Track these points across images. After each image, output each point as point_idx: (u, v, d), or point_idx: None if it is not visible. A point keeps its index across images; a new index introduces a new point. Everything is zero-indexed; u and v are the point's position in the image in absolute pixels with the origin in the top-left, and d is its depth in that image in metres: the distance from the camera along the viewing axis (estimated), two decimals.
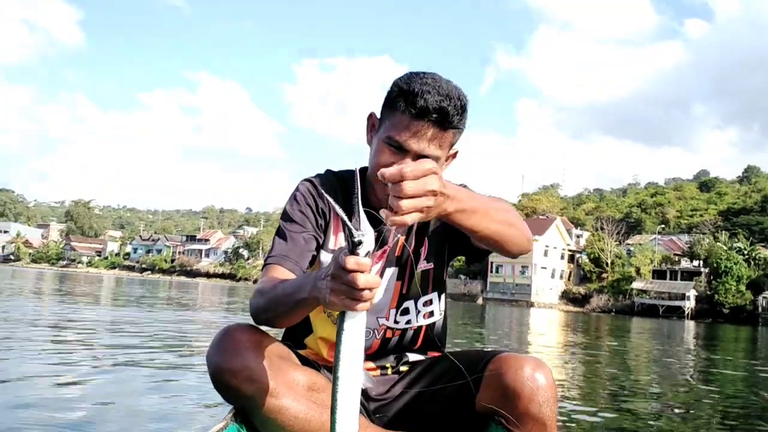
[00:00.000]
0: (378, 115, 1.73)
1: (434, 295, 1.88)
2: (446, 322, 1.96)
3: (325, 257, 1.79)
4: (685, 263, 72.56)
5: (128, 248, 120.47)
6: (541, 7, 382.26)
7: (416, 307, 1.85)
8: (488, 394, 1.62)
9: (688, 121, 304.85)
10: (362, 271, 1.18)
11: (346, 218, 1.21)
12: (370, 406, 1.79)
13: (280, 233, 1.76)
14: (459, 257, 1.93)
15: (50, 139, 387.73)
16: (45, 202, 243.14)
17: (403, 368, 1.86)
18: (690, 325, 38.77)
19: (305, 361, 1.73)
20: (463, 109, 1.62)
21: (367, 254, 1.19)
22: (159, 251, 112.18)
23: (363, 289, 1.18)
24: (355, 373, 1.23)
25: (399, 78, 1.66)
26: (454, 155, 1.78)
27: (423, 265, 1.83)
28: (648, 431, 3.74)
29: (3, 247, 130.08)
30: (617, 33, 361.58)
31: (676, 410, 4.63)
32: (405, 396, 1.80)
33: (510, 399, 1.56)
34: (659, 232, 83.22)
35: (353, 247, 1.19)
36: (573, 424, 3.73)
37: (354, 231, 1.19)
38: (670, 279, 69.53)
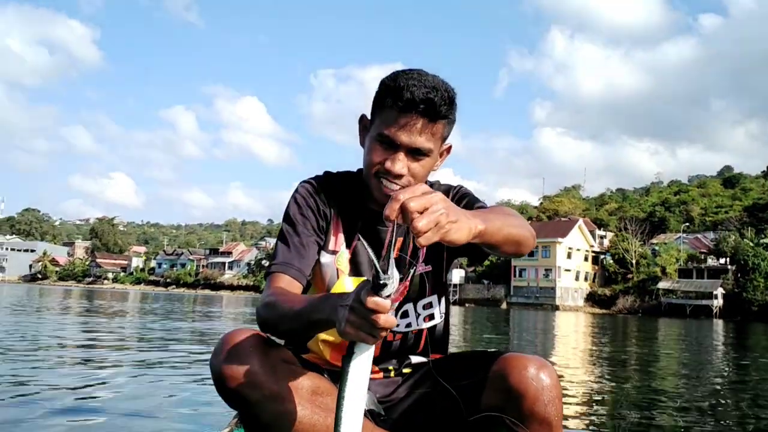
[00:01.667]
0: (369, 117, 1.75)
1: (434, 298, 1.87)
2: (448, 325, 1.95)
3: (325, 258, 1.79)
4: (711, 261, 71.56)
5: (153, 263, 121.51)
6: (553, 8, 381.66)
7: (416, 310, 1.84)
8: (493, 395, 1.61)
9: (707, 117, 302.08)
10: (382, 312, 1.21)
11: (376, 260, 1.22)
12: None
13: (282, 238, 1.77)
14: (461, 259, 1.92)
15: (74, 158, 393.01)
16: (70, 220, 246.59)
17: (406, 370, 1.86)
18: (719, 324, 38.21)
19: (308, 365, 1.72)
20: (450, 100, 1.64)
21: (388, 296, 1.22)
22: (183, 265, 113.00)
23: (383, 327, 1.22)
24: (359, 395, 1.28)
25: (386, 77, 1.69)
26: (448, 149, 1.79)
27: (421, 267, 1.81)
28: None
29: (30, 266, 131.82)
30: (630, 30, 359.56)
31: (708, 419, 4.56)
32: (409, 398, 1.79)
33: (515, 399, 1.55)
34: (684, 231, 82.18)
35: (377, 288, 1.21)
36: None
37: (381, 274, 1.21)
38: (697, 278, 68.65)
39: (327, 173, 1.89)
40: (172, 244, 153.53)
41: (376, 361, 1.83)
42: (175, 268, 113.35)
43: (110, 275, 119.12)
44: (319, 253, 1.79)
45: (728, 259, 68.87)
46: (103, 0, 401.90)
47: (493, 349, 1.87)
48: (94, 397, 3.80)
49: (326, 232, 1.81)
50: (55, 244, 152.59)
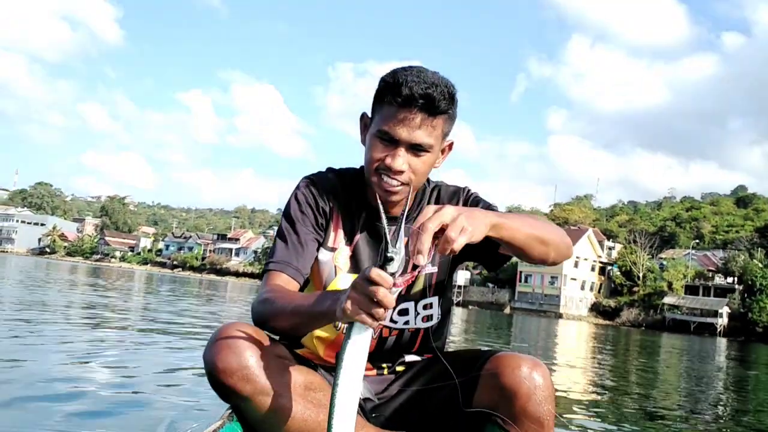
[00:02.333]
0: (369, 115, 1.75)
1: (434, 300, 1.87)
2: (444, 327, 1.95)
3: (323, 255, 1.79)
4: (719, 279, 71.08)
5: (160, 245, 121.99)
6: (575, 16, 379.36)
7: (415, 309, 1.84)
8: (485, 394, 1.61)
9: (723, 135, 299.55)
10: (383, 285, 1.22)
11: (388, 234, 1.24)
12: (367, 405, 1.79)
13: (280, 235, 1.77)
14: (468, 263, 1.93)
15: (89, 135, 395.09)
16: (82, 197, 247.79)
17: (400, 368, 1.86)
18: (722, 343, 38.00)
19: (302, 361, 1.73)
20: (450, 96, 1.64)
21: (393, 274, 1.23)
22: (190, 249, 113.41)
23: (379, 303, 1.22)
24: (354, 383, 1.28)
25: (385, 74, 1.69)
26: (450, 146, 1.79)
27: (427, 268, 1.81)
28: None
29: (39, 239, 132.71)
30: (652, 44, 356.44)
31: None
32: (402, 395, 1.80)
33: (507, 398, 1.56)
34: (693, 247, 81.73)
35: (384, 261, 1.23)
36: None
37: (390, 246, 1.23)
38: (703, 295, 68.27)
39: (329, 169, 1.89)
40: (181, 227, 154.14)
41: (371, 358, 1.82)
42: (182, 251, 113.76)
43: (118, 254, 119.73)
44: (317, 250, 1.79)
45: (736, 279, 68.41)
46: None
47: (486, 348, 1.88)
48: (82, 382, 3.76)
49: (326, 229, 1.81)
50: (65, 219, 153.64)
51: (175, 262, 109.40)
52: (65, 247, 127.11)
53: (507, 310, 70.57)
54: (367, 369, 1.81)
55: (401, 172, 1.65)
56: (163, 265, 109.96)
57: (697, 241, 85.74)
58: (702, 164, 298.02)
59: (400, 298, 1.82)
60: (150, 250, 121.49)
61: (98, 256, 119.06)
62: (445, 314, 1.93)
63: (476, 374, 1.64)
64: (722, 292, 67.73)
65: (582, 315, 71.76)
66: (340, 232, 1.81)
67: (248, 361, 1.48)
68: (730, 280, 69.61)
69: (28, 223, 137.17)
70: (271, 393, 1.50)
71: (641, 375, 8.96)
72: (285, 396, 1.52)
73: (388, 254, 1.22)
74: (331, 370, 1.74)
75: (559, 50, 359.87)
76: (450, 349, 1.98)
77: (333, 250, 1.80)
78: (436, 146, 1.68)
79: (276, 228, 1.86)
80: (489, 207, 1.82)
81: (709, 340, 43.48)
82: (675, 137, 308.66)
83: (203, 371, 1.53)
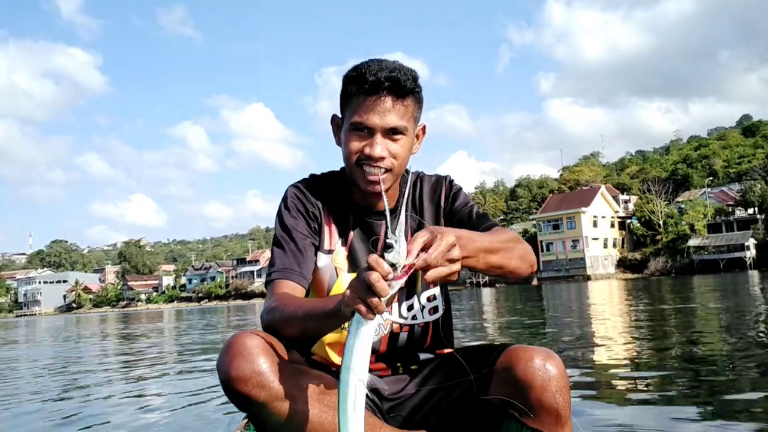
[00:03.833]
0: (339, 115, 1.77)
1: (437, 290, 1.88)
2: (450, 317, 1.97)
3: (322, 261, 1.80)
4: (739, 213, 70.59)
5: (183, 280, 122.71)
6: None
7: (420, 302, 1.85)
8: (500, 388, 1.61)
9: (716, 69, 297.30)
10: (377, 271, 1.22)
11: (389, 220, 1.25)
12: (384, 406, 1.79)
13: (277, 244, 1.77)
14: None
15: (92, 185, 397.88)
16: (98, 247, 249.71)
17: (414, 367, 1.86)
18: (754, 275, 37.69)
19: (315, 365, 1.75)
20: (414, 78, 1.67)
21: (393, 266, 1.22)
22: (213, 278, 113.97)
23: (374, 289, 1.22)
24: (358, 378, 1.28)
25: (346, 72, 1.71)
26: (423, 130, 1.81)
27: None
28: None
29: (64, 296, 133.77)
30: None
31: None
32: (418, 394, 1.80)
33: (522, 390, 1.56)
34: (708, 185, 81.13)
35: (384, 247, 1.23)
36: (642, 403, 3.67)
37: (390, 233, 1.23)
38: (727, 231, 67.86)
39: (312, 175, 1.91)
40: (200, 259, 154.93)
41: (384, 358, 1.84)
42: (205, 282, 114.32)
43: (143, 296, 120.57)
44: (315, 255, 1.79)
45: (756, 209, 67.88)
46: (99, 25, 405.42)
47: (498, 342, 1.88)
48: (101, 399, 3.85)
49: (320, 232, 1.82)
50: (85, 272, 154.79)
51: (200, 295, 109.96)
52: (91, 299, 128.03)
53: (534, 282, 70.34)
54: (382, 369, 1.83)
55: (382, 158, 1.66)
56: (189, 299, 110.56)
57: (711, 178, 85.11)
58: (701, 102, 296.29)
59: (405, 294, 1.84)
60: (174, 287, 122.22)
61: (124, 302, 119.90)
62: (448, 305, 1.95)
63: (490, 369, 1.64)
64: (745, 224, 67.25)
65: (609, 273, 71.50)
66: (335, 234, 1.83)
67: (262, 367, 1.48)
68: (750, 211, 69.09)
69: (50, 282, 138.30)
70: (286, 398, 1.50)
71: (680, 321, 8.90)
72: (301, 400, 1.52)
73: (387, 240, 1.22)
74: None
75: (536, 15, 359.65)
76: (467, 343, 1.98)
77: (330, 252, 1.81)
78: (410, 129, 1.70)
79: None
80: (467, 203, 1.87)
81: (740, 275, 43.15)
82: (667, 80, 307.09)
83: (218, 382, 1.53)
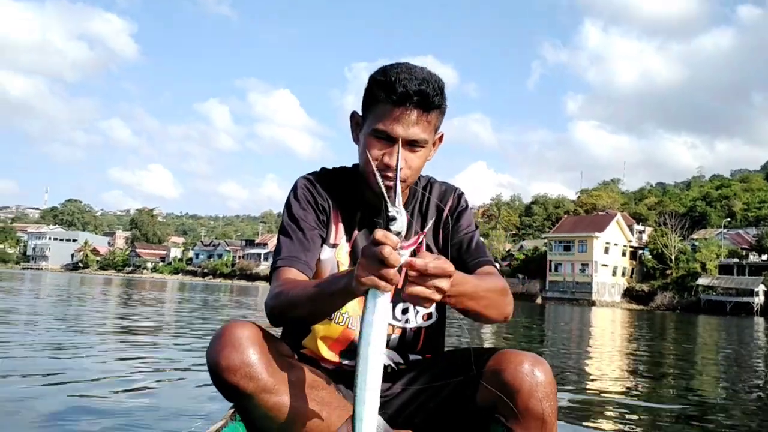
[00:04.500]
0: (360, 114, 1.77)
1: None
2: (443, 325, 1.97)
3: (325, 253, 1.81)
4: (753, 257, 69.82)
5: (190, 254, 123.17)
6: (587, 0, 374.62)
7: (415, 307, 1.85)
8: (488, 391, 1.61)
9: (747, 110, 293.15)
10: (388, 244, 1.22)
11: (385, 193, 1.25)
12: None
13: (284, 233, 1.77)
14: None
15: (113, 151, 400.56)
16: (111, 211, 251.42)
17: (402, 366, 1.87)
18: (760, 322, 37.36)
19: (305, 359, 1.75)
20: (441, 90, 1.67)
21: (398, 234, 1.23)
22: (220, 256, 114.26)
23: (387, 262, 1.21)
24: (378, 351, 1.27)
25: (374, 72, 1.71)
26: (441, 138, 1.82)
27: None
28: None
29: (72, 255, 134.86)
30: (665, 22, 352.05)
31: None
32: (405, 393, 1.80)
33: (510, 395, 1.56)
34: (725, 226, 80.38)
35: (387, 221, 1.23)
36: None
37: (390, 206, 1.24)
38: (738, 274, 67.13)
39: (323, 169, 1.92)
40: (210, 236, 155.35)
41: None
42: (212, 259, 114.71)
43: (149, 265, 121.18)
44: (320, 247, 1.80)
45: None
46: None
47: (488, 346, 1.89)
48: (91, 382, 3.89)
49: (327, 225, 1.82)
50: (96, 234, 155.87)
51: (205, 270, 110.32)
52: (98, 261, 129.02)
53: (539, 300, 70.08)
54: None
55: (400, 169, 1.67)
56: (194, 273, 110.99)
57: (729, 219, 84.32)
58: (728, 141, 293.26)
59: (401, 297, 1.85)
60: (180, 260, 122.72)
61: (130, 268, 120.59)
62: (443, 312, 1.95)
63: (479, 371, 1.65)
64: (757, 270, 66.50)
65: (615, 301, 71.03)
66: (341, 229, 1.84)
67: (251, 358, 1.49)
68: (764, 257, 68.37)
69: (60, 239, 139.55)
70: (273, 390, 1.51)
71: (678, 360, 8.86)
72: (288, 394, 1.53)
73: (389, 213, 1.23)
74: (334, 369, 1.78)
75: (572, 35, 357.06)
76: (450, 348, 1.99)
77: (335, 246, 1.82)
78: (431, 140, 1.72)
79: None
80: (470, 227, 1.89)
81: (746, 320, 42.77)
82: (697, 115, 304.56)
83: (206, 370, 1.54)
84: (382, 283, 1.24)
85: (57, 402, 3.28)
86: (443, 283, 1.30)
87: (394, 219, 1.23)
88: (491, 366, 1.62)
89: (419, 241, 1.26)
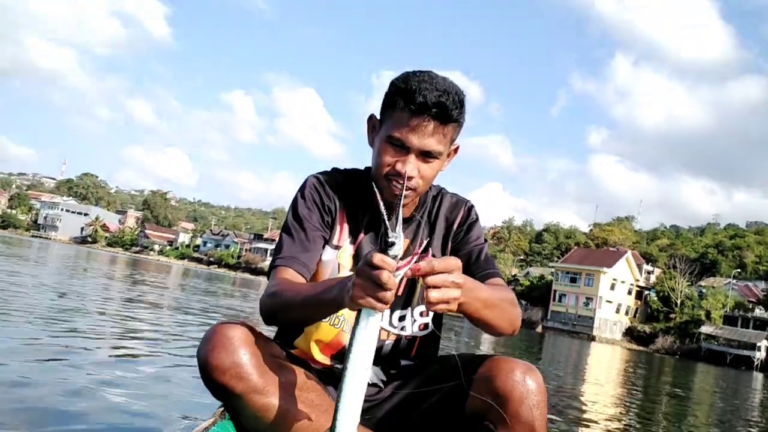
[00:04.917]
0: (378, 117, 1.77)
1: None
2: (439, 337, 1.96)
3: (327, 255, 1.80)
4: (759, 312, 69.15)
5: (198, 241, 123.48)
6: (620, 33, 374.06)
7: (412, 316, 1.85)
8: (479, 397, 1.60)
9: None
10: (386, 269, 1.23)
11: (386, 217, 1.26)
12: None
13: (287, 231, 1.77)
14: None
15: (134, 130, 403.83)
16: (125, 190, 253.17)
17: (393, 371, 1.86)
18: (758, 378, 36.97)
19: (296, 361, 1.74)
20: (461, 103, 1.66)
21: (394, 258, 1.25)
22: (227, 247, 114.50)
23: (383, 287, 1.23)
24: (364, 367, 1.28)
25: (396, 78, 1.70)
26: (456, 150, 1.80)
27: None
28: None
29: (82, 228, 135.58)
30: (697, 64, 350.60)
31: None
32: (395, 397, 1.79)
33: (500, 402, 1.55)
34: (735, 277, 79.68)
35: (385, 246, 1.25)
36: None
37: (390, 231, 1.25)
38: (742, 326, 66.46)
39: (335, 169, 1.92)
40: (220, 225, 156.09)
41: None
42: (219, 249, 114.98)
43: (156, 247, 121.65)
44: (323, 248, 1.80)
45: None
46: None
47: (480, 353, 1.88)
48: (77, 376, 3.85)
49: (332, 227, 1.82)
50: (108, 210, 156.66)
51: (211, 259, 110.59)
52: (106, 237, 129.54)
53: (539, 329, 69.70)
54: None
55: (411, 178, 1.67)
56: (199, 261, 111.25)
57: (739, 270, 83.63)
58: (746, 191, 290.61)
59: (401, 304, 1.85)
60: (188, 246, 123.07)
61: (137, 248, 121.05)
62: (439, 324, 1.94)
63: (470, 378, 1.64)
64: (762, 324, 65.83)
65: (615, 339, 70.52)
66: (346, 231, 1.83)
67: (241, 359, 1.49)
68: None
69: (72, 212, 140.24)
70: (263, 391, 1.51)
71: (670, 406, 8.78)
72: (277, 395, 1.53)
73: (389, 239, 1.24)
74: (325, 371, 1.78)
75: (602, 67, 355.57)
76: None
77: (338, 248, 1.81)
78: (445, 152, 1.71)
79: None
80: (479, 239, 1.88)
81: (745, 373, 42.34)
82: (718, 162, 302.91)
83: (196, 369, 1.53)
84: (379, 305, 1.25)
85: (36, 397, 3.10)
86: (457, 278, 1.31)
87: (392, 244, 1.24)
88: (482, 372, 1.62)
89: (414, 261, 1.28)
